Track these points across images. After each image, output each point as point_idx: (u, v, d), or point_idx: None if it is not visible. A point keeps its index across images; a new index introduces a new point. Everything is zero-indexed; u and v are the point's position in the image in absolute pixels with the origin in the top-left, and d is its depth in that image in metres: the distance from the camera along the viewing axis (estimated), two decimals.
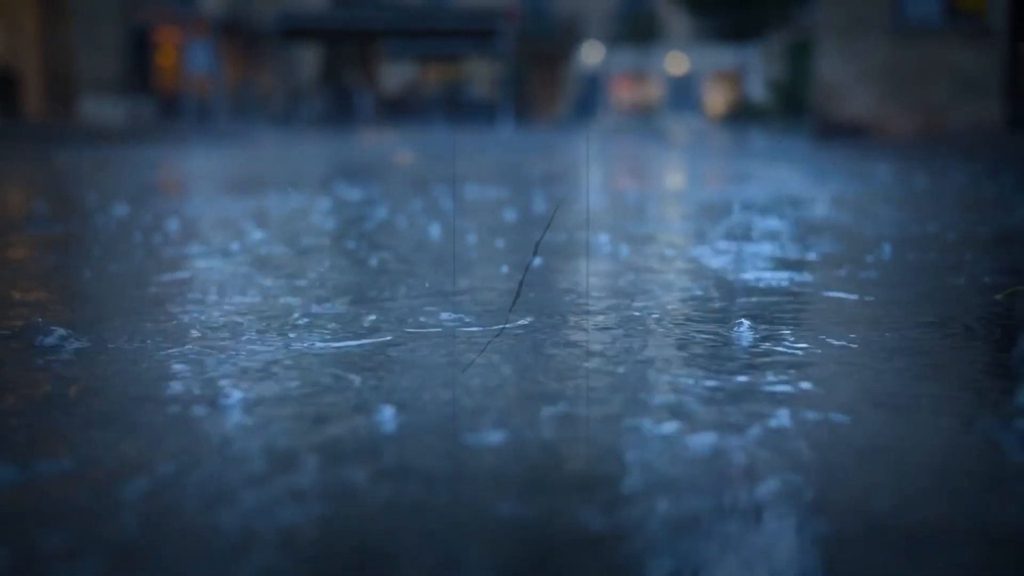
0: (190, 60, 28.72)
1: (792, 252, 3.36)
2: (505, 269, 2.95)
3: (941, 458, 1.28)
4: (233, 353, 1.84)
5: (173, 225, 4.16)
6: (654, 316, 2.22)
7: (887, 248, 3.43)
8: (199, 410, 1.48)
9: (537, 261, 3.10)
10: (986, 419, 1.44)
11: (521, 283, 2.02)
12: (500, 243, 3.58)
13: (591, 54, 51.93)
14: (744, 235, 3.83)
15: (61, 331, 1.93)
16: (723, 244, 3.56)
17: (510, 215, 4.64)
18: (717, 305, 2.36)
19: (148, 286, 2.64)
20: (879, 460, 1.27)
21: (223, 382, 1.63)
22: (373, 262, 3.11)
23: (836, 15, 16.29)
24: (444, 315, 2.22)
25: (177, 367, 1.74)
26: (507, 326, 2.09)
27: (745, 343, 1.95)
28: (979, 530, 1.06)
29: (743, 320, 2.10)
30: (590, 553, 1.00)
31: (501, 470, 1.23)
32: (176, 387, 1.60)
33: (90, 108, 24.45)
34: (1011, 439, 1.35)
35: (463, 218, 4.53)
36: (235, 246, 3.47)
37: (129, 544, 1.01)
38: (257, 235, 3.80)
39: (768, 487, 1.17)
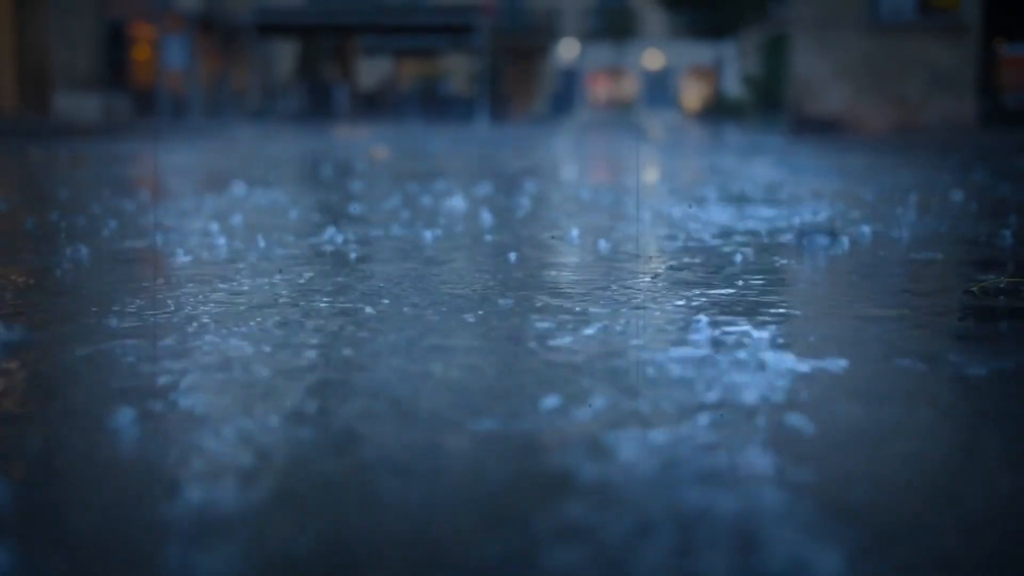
0: (165, 55, 28.53)
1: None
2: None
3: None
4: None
5: (136, 221, 4.13)
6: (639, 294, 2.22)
7: (866, 238, 3.45)
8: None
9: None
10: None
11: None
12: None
13: (567, 50, 51.90)
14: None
15: None
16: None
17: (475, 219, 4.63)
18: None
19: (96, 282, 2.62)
20: None
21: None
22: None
23: (811, 10, 16.33)
24: None
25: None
26: None
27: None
28: None
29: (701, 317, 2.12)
30: None
31: None
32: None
33: (64, 103, 24.27)
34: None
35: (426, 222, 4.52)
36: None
37: None
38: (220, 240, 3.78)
39: None
